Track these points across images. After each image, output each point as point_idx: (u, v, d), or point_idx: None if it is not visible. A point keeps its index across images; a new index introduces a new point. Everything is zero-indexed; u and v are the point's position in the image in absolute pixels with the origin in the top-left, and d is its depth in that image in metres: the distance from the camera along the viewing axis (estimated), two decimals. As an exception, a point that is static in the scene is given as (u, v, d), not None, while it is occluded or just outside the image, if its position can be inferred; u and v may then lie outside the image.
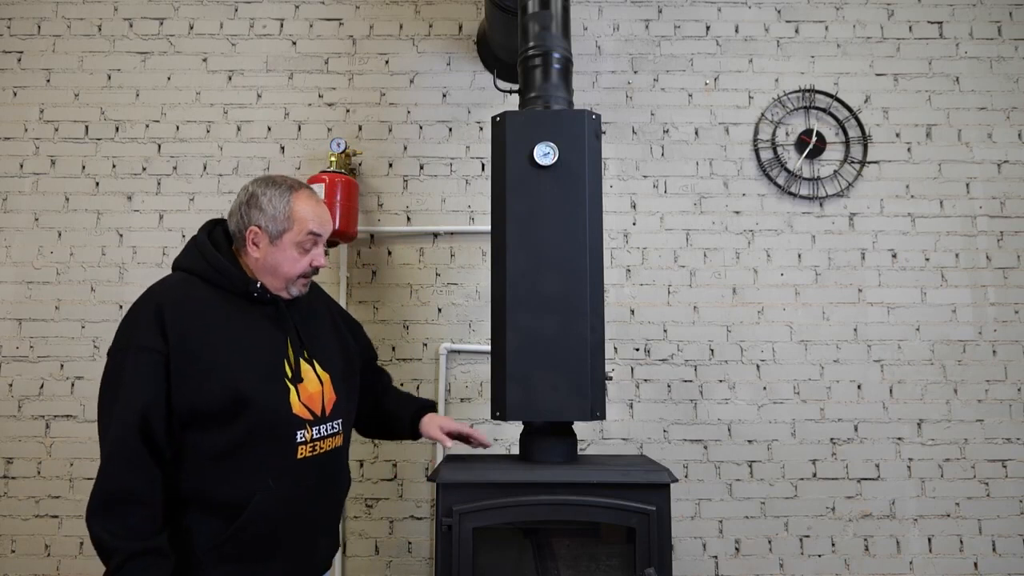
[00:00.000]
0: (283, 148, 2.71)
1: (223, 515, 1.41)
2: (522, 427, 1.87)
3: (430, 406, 1.84)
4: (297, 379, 1.50)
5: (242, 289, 1.49)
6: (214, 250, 1.50)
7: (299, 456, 1.47)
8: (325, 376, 1.56)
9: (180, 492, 1.41)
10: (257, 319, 1.50)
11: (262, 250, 1.51)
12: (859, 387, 2.62)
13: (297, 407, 1.48)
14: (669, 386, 2.62)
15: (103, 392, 1.40)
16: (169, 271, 1.56)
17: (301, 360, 1.53)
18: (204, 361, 1.40)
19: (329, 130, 2.72)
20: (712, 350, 2.64)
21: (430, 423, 1.77)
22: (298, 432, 1.47)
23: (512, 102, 2.66)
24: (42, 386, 2.57)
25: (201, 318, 1.43)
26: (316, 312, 1.66)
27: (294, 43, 2.77)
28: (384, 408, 1.82)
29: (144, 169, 2.69)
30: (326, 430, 1.53)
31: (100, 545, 1.32)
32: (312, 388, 1.52)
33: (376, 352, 1.93)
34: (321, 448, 1.52)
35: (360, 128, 2.73)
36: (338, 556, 2.47)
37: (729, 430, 2.60)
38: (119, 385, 1.37)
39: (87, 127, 2.71)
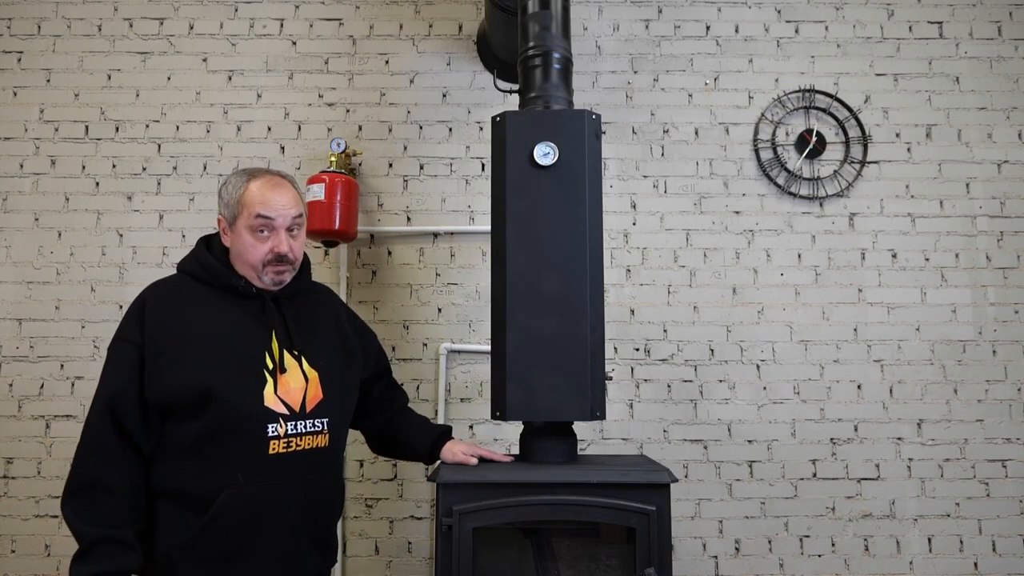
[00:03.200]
0: (283, 148, 2.71)
1: (194, 510, 1.41)
2: (522, 427, 1.87)
3: (448, 432, 1.82)
4: (279, 370, 1.49)
5: (226, 283, 1.52)
6: (204, 249, 1.57)
7: (271, 451, 1.45)
8: (312, 374, 1.54)
9: (159, 486, 1.44)
10: (240, 314, 1.52)
11: (229, 238, 1.55)
12: (859, 387, 2.62)
13: (271, 399, 1.46)
14: (669, 386, 2.62)
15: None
16: (168, 271, 1.64)
17: (287, 354, 1.52)
18: (175, 353, 1.43)
19: (329, 130, 2.72)
20: (712, 350, 2.64)
21: (451, 449, 1.75)
22: (269, 426, 1.45)
23: (512, 102, 2.66)
24: (42, 386, 2.57)
25: (181, 313, 1.48)
26: (317, 313, 1.66)
27: (294, 43, 2.77)
28: (400, 430, 1.80)
29: (144, 169, 2.69)
30: (304, 427, 1.50)
31: (71, 529, 1.38)
32: (294, 383, 1.50)
33: (389, 364, 1.91)
34: (298, 445, 1.48)
35: (360, 128, 2.73)
36: (338, 555, 2.47)
37: (729, 430, 2.60)
38: (101, 376, 1.46)
39: (87, 127, 2.71)
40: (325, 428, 1.54)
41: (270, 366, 1.49)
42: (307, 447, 1.50)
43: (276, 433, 1.45)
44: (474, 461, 1.72)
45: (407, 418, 1.84)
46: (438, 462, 1.78)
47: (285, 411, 1.48)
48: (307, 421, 1.51)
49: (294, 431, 1.48)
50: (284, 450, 1.46)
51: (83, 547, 1.36)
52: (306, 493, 1.50)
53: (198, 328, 1.47)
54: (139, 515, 1.42)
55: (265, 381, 1.47)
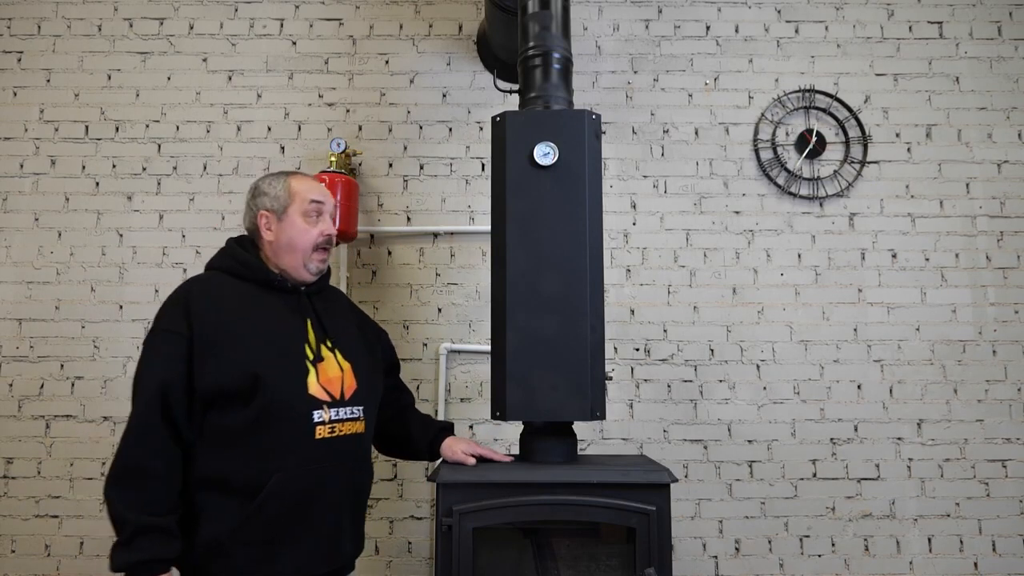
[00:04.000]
0: (283, 148, 2.71)
1: (243, 497, 1.45)
2: (522, 427, 1.87)
3: (449, 429, 1.86)
4: (318, 360, 1.57)
5: (263, 279, 1.60)
6: (239, 247, 1.65)
7: (317, 436, 1.51)
8: (346, 364, 1.62)
9: (202, 475, 1.46)
10: (278, 307, 1.59)
11: (274, 230, 1.63)
12: (859, 387, 2.62)
13: (314, 387, 1.53)
14: (669, 386, 2.62)
15: (135, 376, 1.49)
16: (168, 271, 1.63)
17: (322, 346, 1.60)
18: (223, 343, 1.48)
19: (329, 130, 2.72)
20: (712, 350, 2.64)
21: (451, 446, 1.79)
22: (315, 412, 1.52)
23: (512, 102, 2.66)
24: (42, 386, 2.57)
25: (224, 305, 1.53)
26: (339, 310, 1.75)
27: (294, 43, 2.77)
28: (403, 426, 1.84)
29: (144, 169, 2.69)
30: (345, 413, 1.57)
31: (113, 515, 1.39)
32: (332, 372, 1.58)
33: (399, 363, 1.94)
34: (341, 431, 1.55)
35: (360, 128, 2.73)
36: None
37: (729, 430, 2.60)
38: (144, 366, 1.48)
39: (87, 127, 2.71)
40: (361, 415, 1.62)
41: (310, 356, 1.56)
42: (348, 433, 1.57)
43: (321, 419, 1.52)
44: (472, 461, 1.74)
45: (411, 416, 1.87)
46: (439, 461, 1.78)
47: (328, 398, 1.55)
48: (346, 408, 1.58)
49: (336, 417, 1.55)
50: (329, 435, 1.53)
51: (126, 534, 1.38)
52: (348, 477, 1.58)
53: (244, 320, 1.53)
54: (178, 504, 1.45)
55: (308, 370, 1.54)
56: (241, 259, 1.61)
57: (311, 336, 1.59)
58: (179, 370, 1.45)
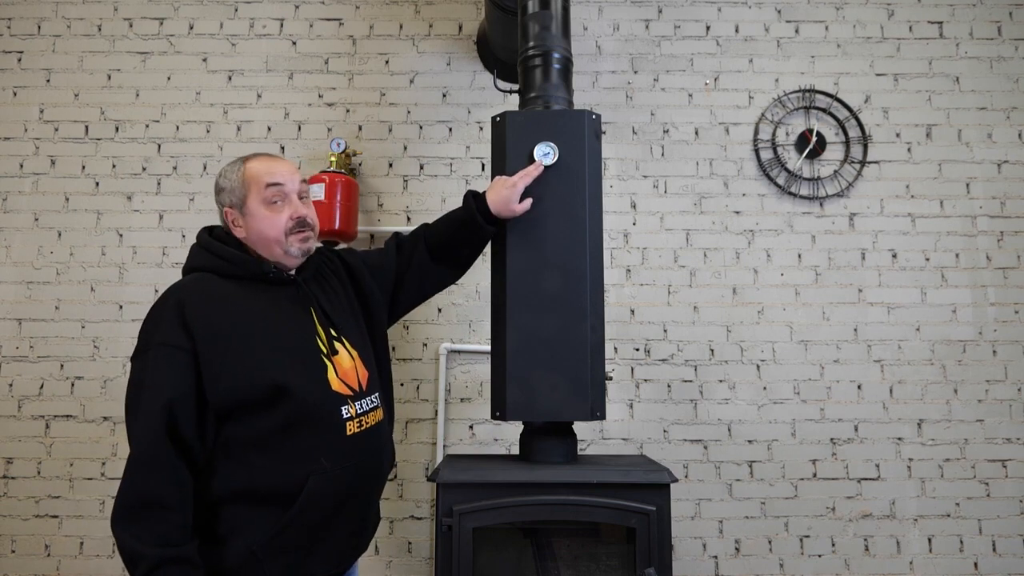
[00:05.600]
0: (283, 148, 2.71)
1: (275, 505, 1.36)
2: (522, 427, 1.87)
3: (476, 193, 1.81)
4: (331, 353, 1.47)
5: (256, 271, 1.46)
6: (218, 242, 1.49)
7: (349, 432, 1.43)
8: (354, 352, 1.53)
9: (227, 490, 1.35)
10: (280, 302, 1.47)
11: (243, 226, 1.48)
12: (859, 387, 2.62)
13: (336, 384, 1.44)
14: (669, 386, 2.62)
15: (127, 397, 1.35)
16: (168, 271, 1.58)
17: (331, 336, 1.50)
18: (234, 350, 1.35)
19: (329, 130, 2.72)
20: (712, 350, 2.64)
21: (496, 198, 1.77)
22: (342, 408, 1.43)
23: (512, 102, 2.66)
24: (42, 386, 2.57)
25: (224, 308, 1.39)
26: (333, 288, 1.62)
27: (294, 43, 2.77)
28: (440, 238, 1.81)
29: (144, 169, 2.69)
30: (367, 404, 1.50)
31: (126, 552, 1.26)
32: (346, 363, 1.49)
33: (386, 246, 1.83)
34: (367, 423, 1.49)
35: (360, 128, 2.73)
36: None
37: (729, 430, 2.60)
38: (142, 387, 1.32)
39: (87, 127, 2.71)
40: (379, 402, 1.56)
41: (323, 350, 1.46)
42: (373, 423, 1.51)
43: (349, 414, 1.45)
44: (525, 205, 1.77)
45: (433, 229, 1.85)
46: (440, 462, 1.78)
47: (349, 392, 1.47)
48: (367, 398, 1.51)
49: (361, 410, 1.48)
50: (358, 429, 1.46)
51: (144, 569, 1.23)
52: (377, 468, 1.53)
53: (249, 322, 1.40)
54: (193, 530, 1.31)
55: (326, 366, 1.44)
56: (226, 255, 1.45)
57: (318, 328, 1.48)
58: (186, 386, 1.31)
